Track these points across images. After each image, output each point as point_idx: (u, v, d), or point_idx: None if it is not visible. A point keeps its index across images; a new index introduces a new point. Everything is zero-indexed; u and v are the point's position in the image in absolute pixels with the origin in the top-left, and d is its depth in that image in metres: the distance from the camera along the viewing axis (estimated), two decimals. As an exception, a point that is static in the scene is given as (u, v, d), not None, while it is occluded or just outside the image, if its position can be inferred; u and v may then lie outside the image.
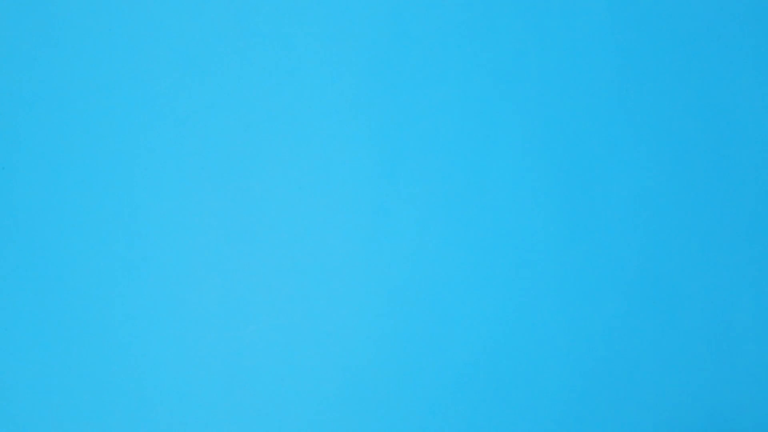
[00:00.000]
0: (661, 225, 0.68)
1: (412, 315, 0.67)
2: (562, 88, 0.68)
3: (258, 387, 0.67)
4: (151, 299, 0.67)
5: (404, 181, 0.67)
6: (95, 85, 0.67)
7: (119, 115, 0.67)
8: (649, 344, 0.67)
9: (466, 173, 0.67)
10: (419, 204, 0.67)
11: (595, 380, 0.67)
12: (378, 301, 0.67)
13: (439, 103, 0.67)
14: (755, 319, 0.67)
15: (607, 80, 0.68)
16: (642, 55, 0.68)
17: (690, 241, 0.68)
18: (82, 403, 0.67)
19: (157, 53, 0.67)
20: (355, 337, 0.67)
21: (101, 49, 0.67)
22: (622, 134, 0.68)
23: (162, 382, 0.67)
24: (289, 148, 0.67)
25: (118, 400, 0.67)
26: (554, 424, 0.67)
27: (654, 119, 0.68)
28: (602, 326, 0.67)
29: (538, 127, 0.67)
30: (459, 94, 0.67)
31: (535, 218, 0.68)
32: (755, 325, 0.67)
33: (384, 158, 0.67)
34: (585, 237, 0.67)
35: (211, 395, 0.67)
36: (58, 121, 0.67)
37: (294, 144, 0.67)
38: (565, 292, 0.67)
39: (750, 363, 0.67)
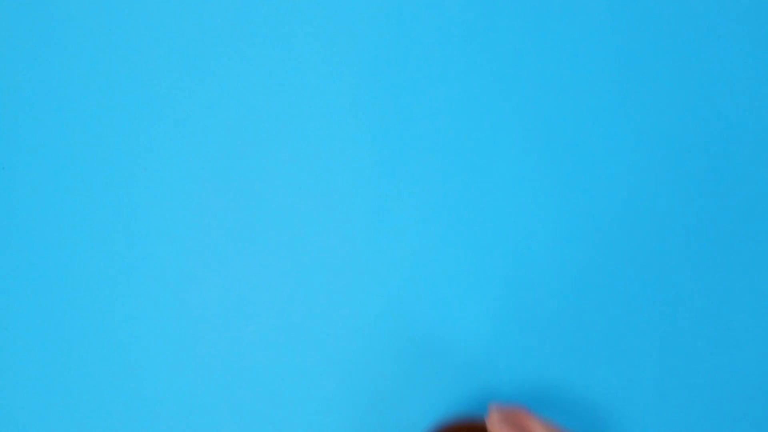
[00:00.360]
0: (661, 224, 0.68)
1: (412, 315, 0.67)
2: (563, 88, 0.68)
3: (258, 387, 0.67)
4: (151, 299, 0.67)
5: (405, 182, 0.67)
6: (95, 85, 0.67)
7: (119, 115, 0.67)
8: (649, 346, 0.67)
9: (468, 174, 0.67)
10: (420, 204, 0.67)
11: (596, 379, 0.68)
12: (378, 301, 0.67)
13: (440, 103, 0.67)
14: (755, 319, 0.68)
15: (607, 79, 0.68)
16: (642, 54, 0.68)
17: (690, 241, 0.68)
18: (82, 403, 0.67)
19: (157, 53, 0.67)
20: (355, 337, 0.67)
21: (101, 49, 0.67)
22: (623, 135, 0.68)
23: (161, 382, 0.67)
24: (289, 148, 0.67)
25: (118, 400, 0.67)
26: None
27: (654, 118, 0.68)
28: (603, 327, 0.67)
29: (540, 127, 0.67)
30: (460, 94, 0.67)
31: (536, 218, 0.68)
32: (755, 325, 0.67)
33: (384, 158, 0.67)
34: (586, 237, 0.67)
35: (211, 395, 0.67)
36: (58, 121, 0.67)
37: (294, 144, 0.67)
38: (566, 293, 0.67)
39: (750, 362, 0.67)
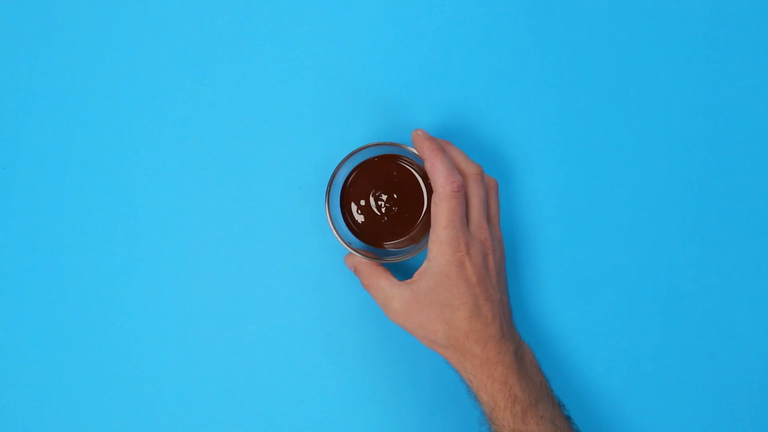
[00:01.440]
0: (662, 225, 0.67)
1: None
2: (562, 89, 0.67)
3: (258, 387, 0.67)
4: (151, 299, 0.67)
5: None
6: (95, 85, 0.67)
7: (119, 115, 0.67)
8: (650, 347, 0.67)
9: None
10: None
11: (595, 376, 0.67)
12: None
13: (440, 104, 0.67)
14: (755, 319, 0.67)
15: (607, 79, 0.68)
16: (642, 53, 0.68)
17: (691, 241, 0.68)
18: (83, 402, 0.67)
19: (157, 53, 0.67)
20: (355, 337, 0.67)
21: (101, 48, 0.67)
22: (623, 134, 0.68)
23: (162, 382, 0.67)
24: (288, 148, 0.67)
25: (118, 400, 0.67)
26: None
27: (655, 117, 0.68)
28: (602, 326, 0.67)
29: (541, 127, 0.67)
30: (460, 96, 0.67)
31: (538, 217, 0.68)
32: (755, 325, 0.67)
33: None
34: (587, 237, 0.67)
35: (211, 395, 0.67)
36: (58, 121, 0.67)
37: (293, 144, 0.67)
38: (567, 294, 0.67)
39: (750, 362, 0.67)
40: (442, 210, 0.58)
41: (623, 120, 0.68)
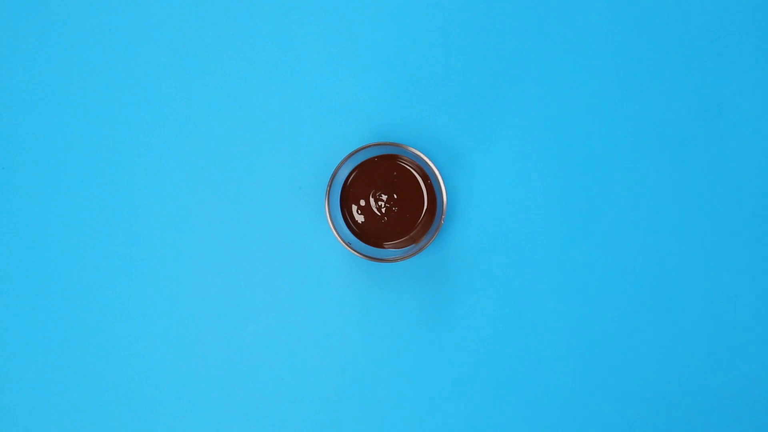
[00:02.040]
0: (661, 225, 0.67)
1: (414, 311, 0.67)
2: (563, 89, 0.67)
3: (258, 387, 0.67)
4: (150, 299, 0.67)
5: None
6: (95, 85, 0.67)
7: (119, 114, 0.67)
8: (649, 347, 0.67)
9: (468, 176, 0.67)
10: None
11: (595, 380, 0.67)
12: (378, 298, 0.67)
13: (440, 104, 0.67)
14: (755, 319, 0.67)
15: (607, 80, 0.68)
16: (642, 55, 0.68)
17: (690, 241, 0.68)
18: (82, 403, 0.67)
19: (157, 53, 0.67)
20: (355, 337, 0.67)
21: (101, 48, 0.67)
22: (623, 135, 0.67)
23: (162, 382, 0.67)
24: (288, 148, 0.67)
25: (118, 400, 0.67)
26: (550, 427, 0.67)
27: (655, 119, 0.68)
28: (602, 327, 0.67)
29: (540, 129, 0.67)
30: (457, 94, 0.67)
31: (537, 219, 0.68)
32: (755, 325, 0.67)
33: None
34: (586, 239, 0.67)
35: (211, 395, 0.67)
36: (58, 121, 0.67)
37: (293, 144, 0.67)
38: (566, 295, 0.67)
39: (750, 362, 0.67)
40: None
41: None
